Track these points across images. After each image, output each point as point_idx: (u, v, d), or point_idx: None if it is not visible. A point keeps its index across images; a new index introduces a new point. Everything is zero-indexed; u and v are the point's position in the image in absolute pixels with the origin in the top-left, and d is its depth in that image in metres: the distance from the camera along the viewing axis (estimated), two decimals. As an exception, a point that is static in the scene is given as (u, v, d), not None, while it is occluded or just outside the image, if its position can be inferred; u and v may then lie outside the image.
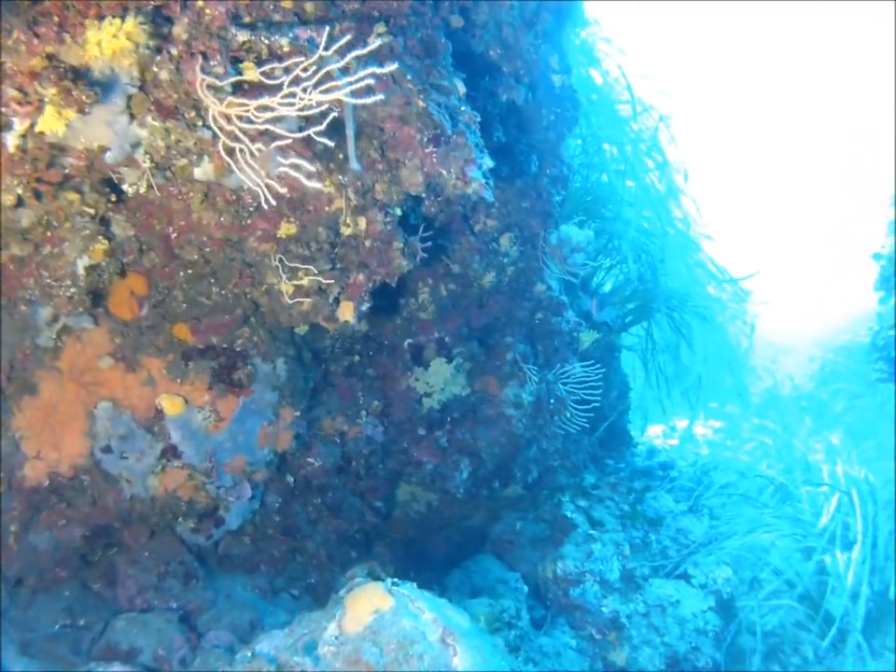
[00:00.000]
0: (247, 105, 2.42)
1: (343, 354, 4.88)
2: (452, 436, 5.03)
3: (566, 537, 5.00)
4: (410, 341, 4.84)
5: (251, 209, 3.33)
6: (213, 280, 3.78)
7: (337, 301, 3.61)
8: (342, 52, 2.41)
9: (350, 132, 2.53)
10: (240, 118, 2.48)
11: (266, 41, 2.70)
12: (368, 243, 3.46)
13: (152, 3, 2.52)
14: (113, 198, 3.27)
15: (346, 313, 3.59)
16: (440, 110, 2.96)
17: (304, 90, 2.33)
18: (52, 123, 2.50)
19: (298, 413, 4.30)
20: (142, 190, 3.20)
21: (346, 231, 3.44)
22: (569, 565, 4.78)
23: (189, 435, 3.87)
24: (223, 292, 3.82)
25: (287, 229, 3.41)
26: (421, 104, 2.98)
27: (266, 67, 2.49)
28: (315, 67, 2.30)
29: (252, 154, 2.52)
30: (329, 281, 3.52)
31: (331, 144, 2.31)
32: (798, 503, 6.13)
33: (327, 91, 2.30)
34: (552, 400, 4.83)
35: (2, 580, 3.83)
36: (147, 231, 3.50)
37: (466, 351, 4.85)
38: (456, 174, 3.05)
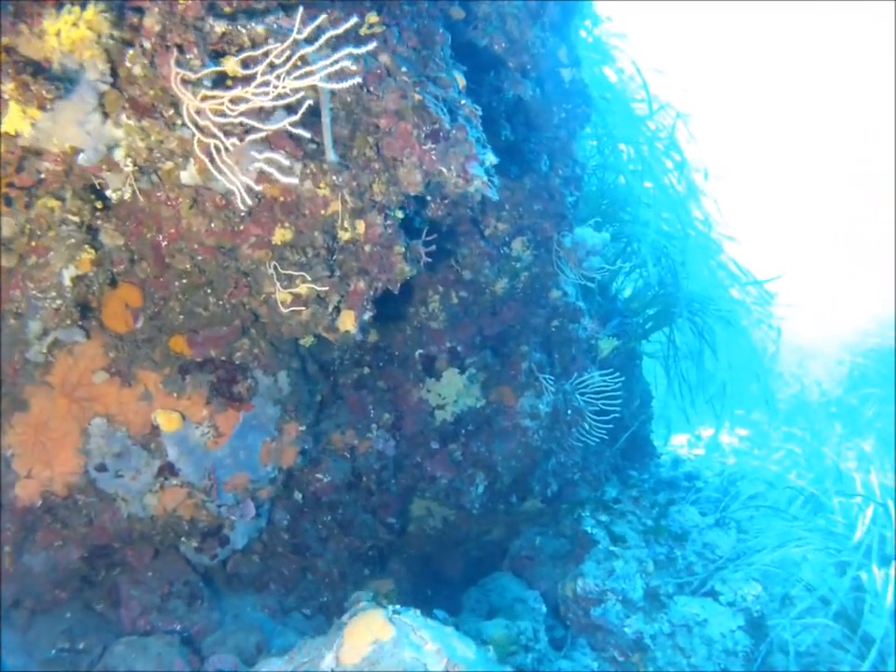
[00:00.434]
0: (221, 98, 2.16)
1: (353, 366, 4.62)
2: (466, 449, 4.75)
3: (586, 553, 4.67)
4: (421, 351, 4.57)
5: (243, 214, 3.07)
6: (209, 290, 3.53)
7: (338, 309, 3.34)
8: (320, 37, 2.14)
9: (326, 119, 2.27)
10: (215, 112, 2.23)
11: (246, 31, 2.45)
12: (367, 248, 3.20)
13: (120, -10, 2.29)
14: (98, 205, 3.04)
15: (347, 322, 3.32)
16: (437, 103, 2.69)
17: (278, 77, 2.06)
18: (17, 122, 2.27)
19: (303, 428, 4.04)
20: (127, 196, 2.97)
21: (344, 236, 3.17)
22: (590, 583, 4.46)
23: (187, 452, 3.62)
24: (220, 303, 3.58)
25: (281, 234, 3.15)
26: (417, 97, 2.71)
27: (243, 56, 2.23)
28: (288, 52, 2.03)
29: (228, 151, 2.26)
30: (328, 289, 3.25)
31: (308, 135, 2.04)
32: (830, 515, 5.73)
33: (301, 77, 2.03)
34: (569, 411, 4.52)
35: (-2, 603, 3.62)
36: (137, 239, 3.26)
37: (479, 361, 4.57)
38: (457, 171, 2.77)
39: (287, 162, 2.33)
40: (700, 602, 4.63)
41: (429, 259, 3.24)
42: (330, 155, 2.43)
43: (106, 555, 4.01)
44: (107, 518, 3.66)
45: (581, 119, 4.31)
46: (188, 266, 3.29)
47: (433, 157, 2.80)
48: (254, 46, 2.51)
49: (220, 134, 2.25)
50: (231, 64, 2.24)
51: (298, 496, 4.45)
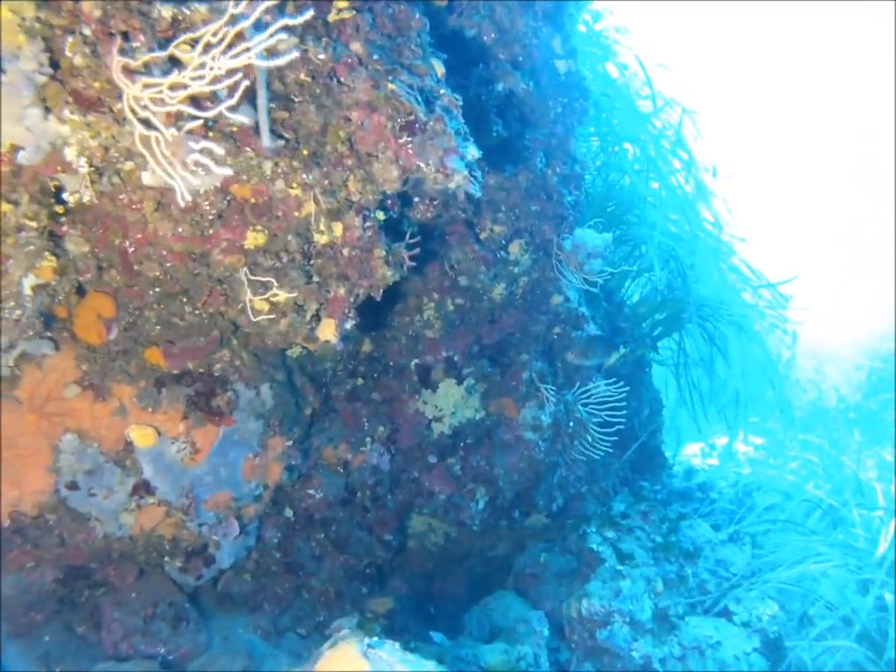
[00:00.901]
0: (160, 85, 1.90)
1: (346, 377, 4.35)
2: (465, 463, 4.45)
3: (592, 572, 4.35)
4: (416, 361, 4.28)
5: (211, 217, 2.81)
6: (185, 299, 3.27)
7: (318, 318, 3.07)
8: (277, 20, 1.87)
9: (262, 101, 2.00)
10: (155, 101, 1.97)
11: (200, 14, 2.18)
12: (346, 251, 2.92)
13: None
14: (59, 209, 2.79)
15: (327, 332, 3.05)
16: (410, 92, 2.41)
17: (213, 58, 1.80)
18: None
19: (290, 443, 3.77)
20: (86, 199, 2.71)
21: (321, 240, 2.90)
22: (595, 604, 4.14)
23: (164, 469, 3.36)
24: (197, 312, 3.31)
25: (254, 238, 2.89)
26: (390, 86, 2.44)
27: (185, 38, 1.96)
28: (224, 31, 1.77)
29: (166, 143, 1.99)
30: (305, 296, 2.98)
31: (247, 121, 1.77)
32: (851, 528, 5.35)
33: (236, 57, 1.76)
34: (570, 423, 4.21)
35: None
36: (104, 246, 3.01)
37: (477, 371, 4.28)
38: (436, 166, 2.49)
39: (221, 151, 2.06)
40: (713, 623, 4.29)
41: (413, 264, 2.95)
42: (266, 140, 2.16)
43: (85, 576, 3.77)
44: (81, 538, 3.40)
45: (578, 114, 4.01)
46: (157, 273, 3.03)
47: (410, 151, 2.52)
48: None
49: (161, 125, 1.98)
50: (175, 49, 1.97)
51: (289, 512, 4.18)
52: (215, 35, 1.77)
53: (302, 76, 2.55)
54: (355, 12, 2.47)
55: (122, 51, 2.11)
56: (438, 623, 5.12)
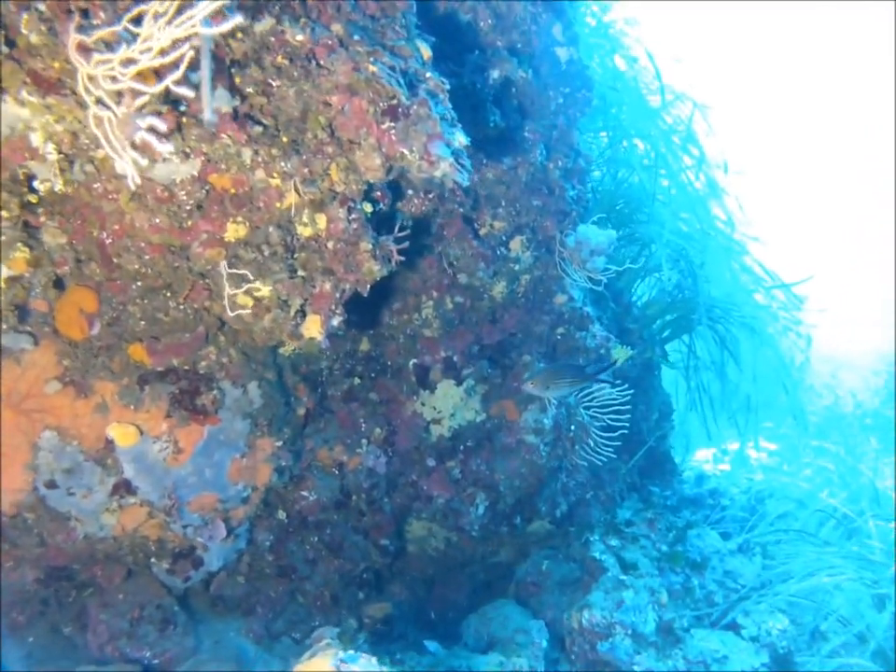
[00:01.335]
0: (112, 62, 1.72)
1: (343, 377, 4.17)
2: (465, 467, 4.26)
3: (594, 581, 4.14)
4: (415, 361, 4.09)
5: (189, 208, 2.65)
6: (168, 294, 3.11)
7: (303, 314, 2.89)
8: None
9: (206, 71, 1.82)
10: (107, 79, 1.80)
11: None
12: (331, 244, 2.75)
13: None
14: (33, 199, 2.65)
15: (312, 328, 2.87)
16: (392, 74, 2.23)
17: (160, 28, 1.62)
18: None
19: (279, 444, 3.60)
20: (57, 188, 2.56)
21: (305, 232, 2.73)
22: (597, 615, 3.92)
23: (145, 469, 3.20)
24: (182, 307, 3.15)
25: (234, 230, 2.72)
26: (371, 68, 2.25)
27: (139, 9, 1.79)
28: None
29: (117, 122, 1.82)
30: (290, 291, 2.81)
31: (190, 94, 1.60)
32: (866, 539, 5.08)
33: (180, 25, 1.58)
34: (572, 427, 4.00)
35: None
36: (82, 237, 2.86)
37: (477, 372, 4.08)
38: (420, 153, 2.30)
39: (163, 127, 1.88)
40: (719, 636, 4.06)
41: (402, 258, 2.77)
42: (207, 114, 1.98)
43: (69, 577, 3.63)
44: (61, 539, 3.26)
45: (581, 105, 3.80)
46: (137, 266, 2.87)
47: (393, 137, 2.34)
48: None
49: (112, 104, 1.81)
50: (128, 23, 1.80)
51: (281, 515, 4.02)
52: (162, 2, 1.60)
53: (280, 58, 2.38)
54: (335, -10, 2.29)
55: (81, 29, 1.95)
56: (438, 629, 4.94)
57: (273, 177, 2.59)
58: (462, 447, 4.23)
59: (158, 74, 2.01)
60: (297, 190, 2.61)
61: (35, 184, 2.53)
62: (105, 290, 3.10)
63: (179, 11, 1.65)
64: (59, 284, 2.99)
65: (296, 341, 2.91)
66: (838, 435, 8.78)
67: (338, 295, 2.83)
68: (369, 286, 2.83)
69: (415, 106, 2.29)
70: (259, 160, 2.57)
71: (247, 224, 2.72)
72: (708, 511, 5.70)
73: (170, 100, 2.35)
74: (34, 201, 2.66)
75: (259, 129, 2.47)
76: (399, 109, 2.29)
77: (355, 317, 4.18)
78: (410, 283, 3.90)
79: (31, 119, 2.20)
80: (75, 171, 2.54)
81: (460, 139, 2.35)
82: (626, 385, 3.95)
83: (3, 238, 2.65)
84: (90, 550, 3.41)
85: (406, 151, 2.34)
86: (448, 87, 2.36)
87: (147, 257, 2.83)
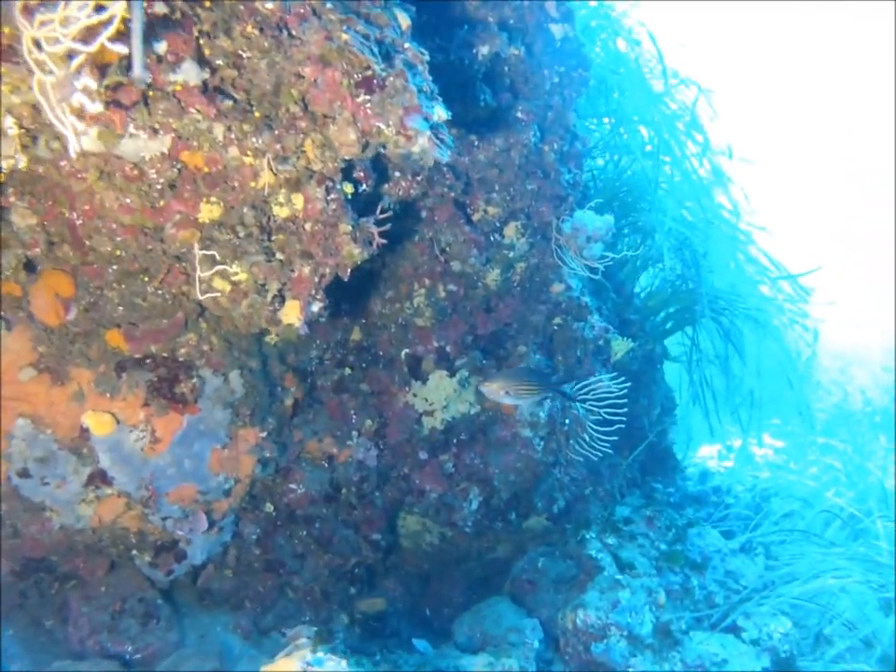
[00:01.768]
0: (53, 21, 1.59)
1: (334, 367, 4.03)
2: (458, 461, 4.11)
3: (590, 580, 3.98)
4: (407, 351, 3.95)
5: (159, 187, 2.51)
6: (146, 278, 2.98)
7: (282, 299, 2.75)
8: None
9: (137, 24, 1.66)
10: (50, 41, 1.66)
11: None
12: (309, 226, 2.60)
13: None
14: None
15: (291, 314, 2.73)
16: (365, 43, 2.08)
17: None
18: None
19: (263, 435, 3.47)
20: (21, 165, 2.44)
21: (282, 213, 2.59)
22: (591, 615, 3.77)
23: (121, 459, 3.08)
24: (160, 292, 3.03)
25: (208, 211, 2.59)
26: (343, 36, 2.10)
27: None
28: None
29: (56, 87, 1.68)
30: (267, 275, 2.67)
31: (124, 50, 1.45)
32: (874, 540, 4.89)
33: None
34: (567, 420, 3.84)
35: None
36: (53, 218, 2.74)
37: (471, 363, 3.93)
38: (396, 127, 2.15)
39: (94, 85, 1.74)
40: (719, 639, 3.90)
41: (384, 241, 2.62)
42: (137, 70, 1.83)
43: (49, 569, 3.52)
44: (36, 529, 3.15)
45: (577, 85, 3.62)
46: (109, 248, 2.74)
47: (368, 111, 2.19)
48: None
49: (54, 67, 1.67)
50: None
51: (269, 508, 3.89)
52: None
53: (250, 28, 2.23)
54: (307, -45, 2.15)
55: (31, -10, 1.81)
56: (433, 626, 4.81)
57: (247, 155, 2.45)
58: (455, 440, 4.08)
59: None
60: (272, 169, 2.47)
61: (-2, 161, 2.40)
62: (81, 274, 2.99)
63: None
64: (30, 266, 2.87)
65: (275, 327, 2.77)
66: (846, 432, 8.55)
67: (317, 279, 2.69)
68: (349, 270, 2.69)
69: (391, 78, 2.14)
70: (233, 136, 2.44)
71: (222, 204, 2.58)
72: (712, 508, 5.53)
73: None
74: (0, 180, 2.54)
75: (229, 103, 2.33)
76: (375, 81, 2.14)
77: (346, 306, 4.06)
78: (401, 270, 3.75)
79: (-20, 88, 2.06)
80: (39, 147, 2.41)
81: (440, 113, 2.20)
82: (624, 379, 3.78)
83: (-33, 217, 2.53)
84: (68, 541, 3.30)
85: (382, 126, 2.19)
86: (428, 58, 2.21)
87: (119, 238, 2.70)
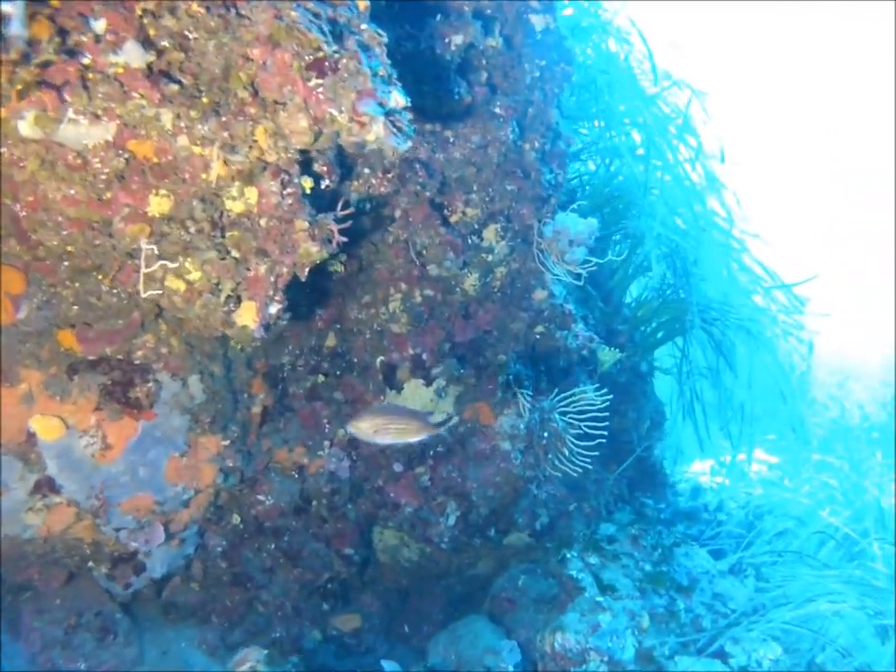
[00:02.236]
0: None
1: (307, 373, 3.86)
2: (435, 474, 3.92)
3: (570, 601, 3.78)
4: (382, 358, 3.77)
5: (104, 177, 2.34)
6: (100, 276, 2.81)
7: (238, 299, 2.57)
8: None
9: None
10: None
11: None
12: (263, 222, 2.43)
13: None
14: (-65, 164, 2.35)
15: (246, 316, 2.56)
16: (315, 21, 1.91)
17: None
18: None
19: (227, 443, 3.29)
20: (-45, 151, 2.26)
21: (235, 208, 2.42)
22: (570, 639, 3.57)
23: (70, 466, 2.90)
24: (115, 291, 2.85)
25: (158, 204, 2.41)
26: (292, 14, 1.93)
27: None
28: None
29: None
30: (220, 274, 2.50)
31: (10, 10, 1.28)
32: (870, 563, 4.67)
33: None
34: (545, 434, 3.64)
35: None
36: (-3, 210, 2.56)
37: (448, 371, 3.74)
38: (349, 113, 1.98)
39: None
40: (706, 665, 3.68)
41: (345, 239, 2.44)
42: (15, 28, 1.64)
43: (-1, 580, 3.33)
44: (-22, 540, 2.96)
45: (560, 80, 3.44)
46: (56, 243, 2.57)
47: (321, 96, 2.02)
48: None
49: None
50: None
51: (236, 519, 3.71)
52: None
53: (195, 6, 2.07)
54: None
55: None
56: (412, 642, 4.62)
57: (197, 145, 2.28)
58: (432, 452, 3.90)
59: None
60: (223, 160, 2.29)
61: (-70, 147, 2.24)
62: (33, 271, 2.82)
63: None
64: (-26, 261, 2.70)
65: (229, 329, 2.59)
66: (843, 449, 8.32)
67: (273, 279, 2.51)
68: (307, 269, 2.51)
69: (344, 60, 1.97)
70: (183, 125, 2.27)
71: (172, 197, 2.41)
72: (704, 525, 5.32)
73: (68, 50, 2.06)
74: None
75: (175, 87, 2.16)
76: (326, 63, 1.97)
77: (321, 310, 3.89)
78: (376, 274, 3.58)
79: None
80: (-26, 133, 2.25)
81: (397, 99, 2.02)
82: (606, 391, 3.58)
83: None
84: (17, 551, 3.12)
85: (335, 112, 2.02)
86: (386, 40, 2.03)
87: (65, 232, 2.53)
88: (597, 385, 3.86)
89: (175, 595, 3.85)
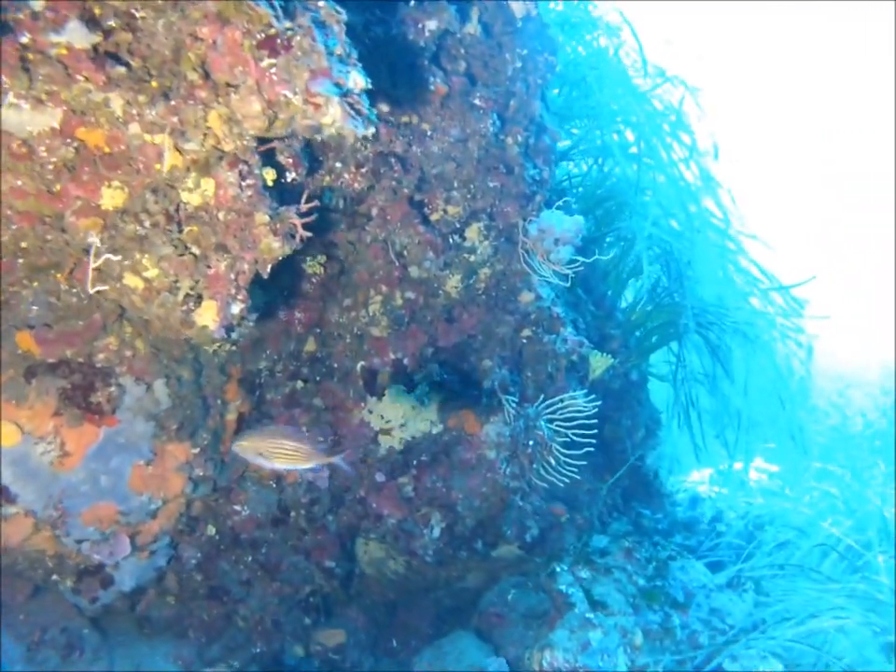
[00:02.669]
0: None
1: (286, 379, 3.70)
2: (419, 484, 3.74)
3: (560, 618, 3.59)
4: (362, 363, 3.60)
5: (52, 167, 2.19)
6: (58, 274, 2.66)
7: (199, 298, 2.42)
8: None
9: None
10: None
11: None
12: (222, 216, 2.27)
13: None
14: None
15: (206, 316, 2.40)
16: (265, -6, 1.75)
17: None
18: None
19: (196, 451, 3.12)
20: None
21: (192, 200, 2.27)
22: (559, 657, 3.38)
23: (26, 474, 2.74)
24: (75, 290, 2.71)
25: (111, 197, 2.27)
26: (241, -13, 1.78)
27: None
28: None
29: None
30: (178, 271, 2.34)
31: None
32: (874, 575, 4.46)
33: None
34: (530, 442, 3.47)
35: None
36: (-54, 204, 2.41)
37: (431, 377, 3.57)
38: (303, 94, 1.82)
39: None
40: (702, 684, 3.49)
41: (309, 234, 2.28)
42: None
43: (-45, 594, 3.17)
44: (-68, 552, 2.80)
45: (543, 71, 3.27)
46: (6, 239, 2.42)
47: (274, 76, 1.87)
48: None
49: None
50: None
51: (211, 531, 3.54)
52: None
53: (142, -20, 1.91)
54: None
55: None
56: (400, 657, 4.43)
57: (149, 132, 2.13)
58: (415, 462, 3.72)
59: None
60: (177, 149, 2.14)
61: None
62: (-10, 270, 2.67)
63: None
64: (-77, 259, 2.55)
65: (188, 329, 2.43)
66: (844, 457, 8.10)
67: (233, 276, 2.36)
68: (269, 266, 2.35)
69: (298, 37, 1.82)
70: (134, 112, 2.12)
71: (126, 189, 2.26)
72: (703, 536, 5.12)
73: (3, 25, 1.91)
74: None
75: (122, 70, 2.01)
76: (279, 41, 1.82)
77: (299, 314, 3.73)
78: (356, 276, 3.42)
79: None
80: (-87, 119, 2.10)
81: (356, 80, 1.87)
82: (594, 397, 3.41)
83: None
84: (-26, 565, 2.96)
85: (289, 93, 1.87)
86: (346, 18, 1.88)
87: (14, 227, 2.38)
88: (589, 391, 3.69)
89: (150, 609, 3.68)
